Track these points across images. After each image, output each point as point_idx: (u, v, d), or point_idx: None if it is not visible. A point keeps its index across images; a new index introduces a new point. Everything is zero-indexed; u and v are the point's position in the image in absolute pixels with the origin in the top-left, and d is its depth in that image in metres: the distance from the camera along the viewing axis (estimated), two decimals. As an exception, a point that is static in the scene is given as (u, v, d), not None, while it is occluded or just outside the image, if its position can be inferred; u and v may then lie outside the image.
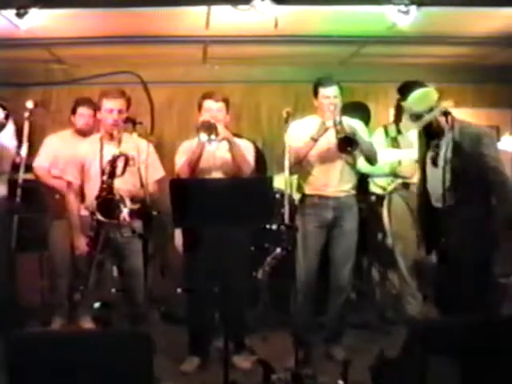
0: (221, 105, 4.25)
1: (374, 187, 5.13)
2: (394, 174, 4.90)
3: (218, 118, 4.18)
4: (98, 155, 4.12)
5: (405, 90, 4.64)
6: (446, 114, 3.97)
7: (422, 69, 4.64)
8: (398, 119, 4.95)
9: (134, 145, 4.03)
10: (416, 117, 3.99)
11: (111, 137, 4.17)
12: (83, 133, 4.95)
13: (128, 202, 3.96)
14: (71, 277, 4.97)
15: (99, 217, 3.90)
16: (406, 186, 4.89)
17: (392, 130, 4.96)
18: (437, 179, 3.94)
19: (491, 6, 4.23)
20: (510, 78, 5.83)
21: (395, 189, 4.94)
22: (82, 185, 4.23)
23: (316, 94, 4.38)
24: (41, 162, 4.94)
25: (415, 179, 4.71)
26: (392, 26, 4.37)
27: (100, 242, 3.97)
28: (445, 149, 3.92)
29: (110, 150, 4.06)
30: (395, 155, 4.85)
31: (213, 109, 4.23)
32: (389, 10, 4.10)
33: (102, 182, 3.96)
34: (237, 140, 4.32)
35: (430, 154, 4.08)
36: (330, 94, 4.33)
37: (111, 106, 4.14)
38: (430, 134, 4.02)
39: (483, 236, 3.92)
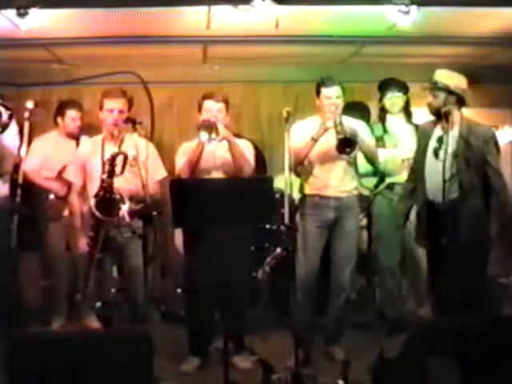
0: (221, 105, 4.25)
1: (361, 188, 5.10)
2: (377, 173, 4.88)
3: (218, 119, 4.19)
4: (99, 155, 4.13)
5: (382, 87, 4.94)
6: (446, 114, 4.00)
7: (422, 69, 4.62)
8: (383, 118, 4.96)
9: (135, 145, 4.03)
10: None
11: (112, 137, 4.18)
12: (73, 135, 4.99)
13: (127, 201, 3.97)
14: (71, 277, 4.99)
15: (97, 214, 3.92)
16: (390, 187, 4.88)
17: (378, 129, 4.95)
18: (436, 172, 3.95)
19: (491, 6, 4.23)
20: (510, 77, 5.82)
21: (381, 190, 4.93)
22: (84, 185, 4.24)
23: (318, 93, 4.38)
24: (31, 164, 4.91)
25: (398, 179, 4.74)
26: (392, 26, 4.37)
27: (99, 241, 3.99)
28: (450, 142, 3.94)
29: (111, 150, 4.07)
30: (380, 155, 4.85)
31: (213, 109, 4.23)
32: (389, 9, 4.10)
33: (102, 181, 3.98)
34: (236, 140, 4.32)
35: (432, 146, 4.10)
36: (331, 94, 4.32)
37: (112, 106, 4.15)
38: (439, 116, 4.06)
39: (480, 233, 3.93)
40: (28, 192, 4.79)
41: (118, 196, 3.94)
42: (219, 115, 4.22)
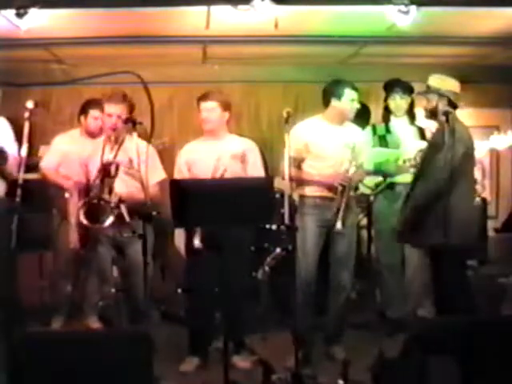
0: (212, 104, 4.28)
1: (362, 187, 5.11)
2: (378, 173, 4.90)
3: (210, 118, 4.25)
4: (99, 156, 4.16)
5: (387, 87, 4.95)
6: (446, 113, 4.02)
7: (422, 69, 4.63)
8: (386, 119, 4.98)
9: (135, 147, 4.04)
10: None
11: (111, 140, 4.21)
12: (94, 135, 4.98)
13: (123, 207, 3.99)
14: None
15: (84, 221, 3.97)
16: (391, 186, 4.89)
17: (381, 128, 4.98)
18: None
19: (491, 6, 4.23)
20: (510, 77, 5.82)
21: (381, 190, 4.94)
22: (86, 184, 4.28)
23: (339, 96, 4.33)
24: (49, 162, 4.99)
25: (399, 179, 4.76)
26: (392, 26, 4.37)
27: (89, 239, 4.08)
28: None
29: (110, 153, 4.11)
30: (382, 155, 4.88)
31: (206, 109, 4.29)
32: (389, 9, 4.10)
33: (90, 188, 4.04)
34: (241, 140, 4.38)
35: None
36: (356, 96, 4.34)
37: (111, 111, 4.19)
38: (429, 116, 4.19)
39: (471, 231, 3.96)
40: (35, 190, 4.80)
41: (104, 203, 3.96)
42: (211, 115, 4.28)
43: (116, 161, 4.03)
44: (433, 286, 4.28)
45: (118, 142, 4.17)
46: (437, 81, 4.14)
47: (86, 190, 4.27)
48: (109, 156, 4.08)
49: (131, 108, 4.26)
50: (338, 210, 4.26)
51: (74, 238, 4.28)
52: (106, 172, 4.00)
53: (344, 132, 4.43)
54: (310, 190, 4.43)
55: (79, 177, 4.33)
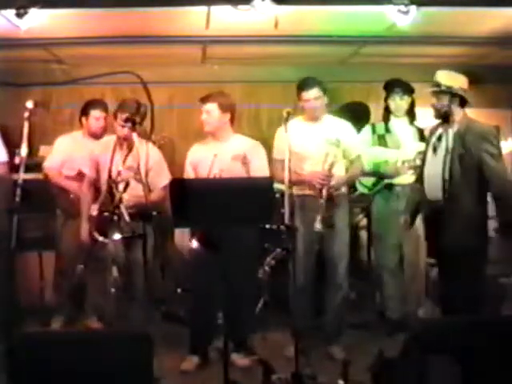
0: (211, 106, 4.29)
1: (360, 186, 5.10)
2: (377, 174, 4.89)
3: (209, 120, 4.28)
4: (109, 156, 4.21)
5: (388, 87, 4.92)
6: (446, 114, 3.99)
7: (422, 69, 4.63)
8: (386, 118, 4.97)
9: (143, 152, 4.07)
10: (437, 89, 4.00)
11: (122, 146, 4.31)
12: (96, 135, 4.99)
13: (121, 209, 4.03)
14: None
15: (96, 235, 4.14)
16: (389, 187, 4.88)
17: (380, 128, 4.97)
18: (434, 171, 3.96)
19: (491, 6, 4.23)
20: (509, 78, 5.82)
21: (379, 190, 4.93)
22: (96, 180, 4.43)
23: (301, 95, 4.41)
24: (52, 162, 5.02)
25: (398, 180, 4.75)
26: (391, 25, 4.37)
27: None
28: (449, 139, 3.95)
29: (121, 154, 4.26)
30: (381, 155, 4.87)
31: (205, 110, 4.31)
32: (389, 9, 4.10)
33: (102, 204, 4.14)
34: (245, 141, 4.39)
35: (432, 143, 4.10)
36: (309, 96, 4.36)
37: (123, 123, 4.21)
38: (440, 116, 4.05)
39: (475, 232, 3.92)
40: (35, 190, 4.81)
41: (116, 218, 4.01)
42: (209, 117, 4.29)
43: (126, 177, 4.09)
44: (445, 288, 4.20)
45: (129, 149, 4.23)
46: (447, 78, 3.98)
47: (96, 186, 4.42)
48: (118, 163, 4.15)
49: (142, 118, 4.27)
50: (318, 210, 4.25)
51: (85, 232, 4.38)
52: (116, 186, 4.08)
53: (323, 128, 4.44)
54: (298, 189, 4.42)
55: (90, 171, 4.45)
